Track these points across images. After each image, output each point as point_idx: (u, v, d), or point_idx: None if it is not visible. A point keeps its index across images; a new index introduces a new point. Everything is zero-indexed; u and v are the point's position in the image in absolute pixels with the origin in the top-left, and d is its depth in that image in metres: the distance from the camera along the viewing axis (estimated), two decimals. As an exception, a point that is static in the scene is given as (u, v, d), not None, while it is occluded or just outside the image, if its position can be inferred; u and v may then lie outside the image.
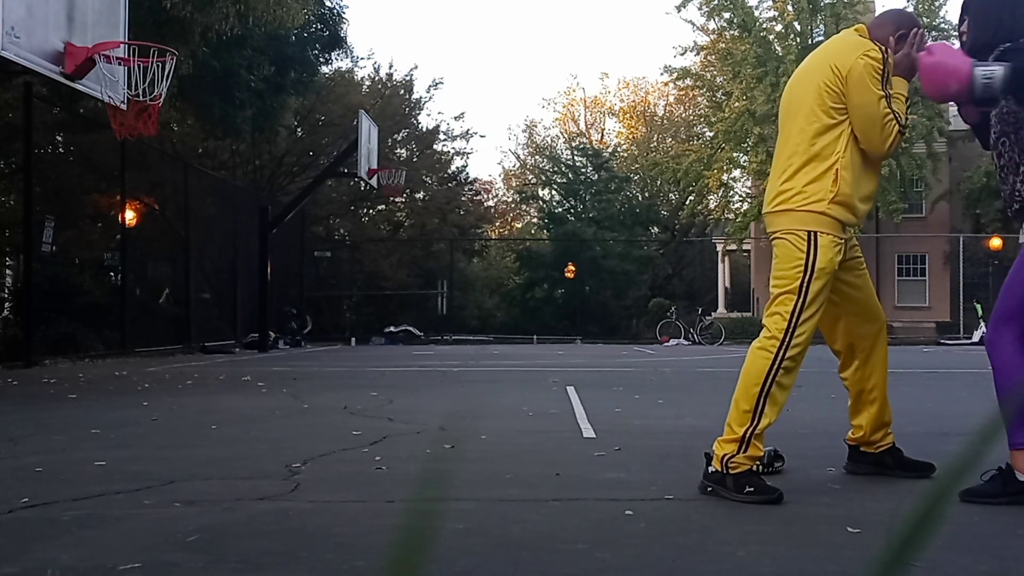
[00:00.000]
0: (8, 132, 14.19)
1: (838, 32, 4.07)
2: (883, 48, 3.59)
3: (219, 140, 19.69)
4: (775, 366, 3.46)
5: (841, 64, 3.55)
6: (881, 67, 3.55)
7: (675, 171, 28.32)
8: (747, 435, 3.41)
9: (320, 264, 27.06)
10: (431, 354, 16.88)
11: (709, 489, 3.45)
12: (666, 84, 32.96)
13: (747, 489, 3.34)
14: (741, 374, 3.54)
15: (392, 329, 23.89)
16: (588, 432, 5.37)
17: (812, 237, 3.50)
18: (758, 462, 3.53)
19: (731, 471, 3.39)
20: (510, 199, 39.61)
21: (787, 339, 3.47)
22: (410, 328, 24.19)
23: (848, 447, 3.97)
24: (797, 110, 3.64)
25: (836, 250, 3.54)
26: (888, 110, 3.52)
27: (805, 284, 3.48)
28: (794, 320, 3.48)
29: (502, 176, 41.96)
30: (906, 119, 3.61)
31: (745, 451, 3.40)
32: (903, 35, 3.67)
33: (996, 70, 3.28)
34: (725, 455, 3.41)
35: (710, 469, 3.48)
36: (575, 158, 34.14)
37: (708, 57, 27.82)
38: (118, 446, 4.83)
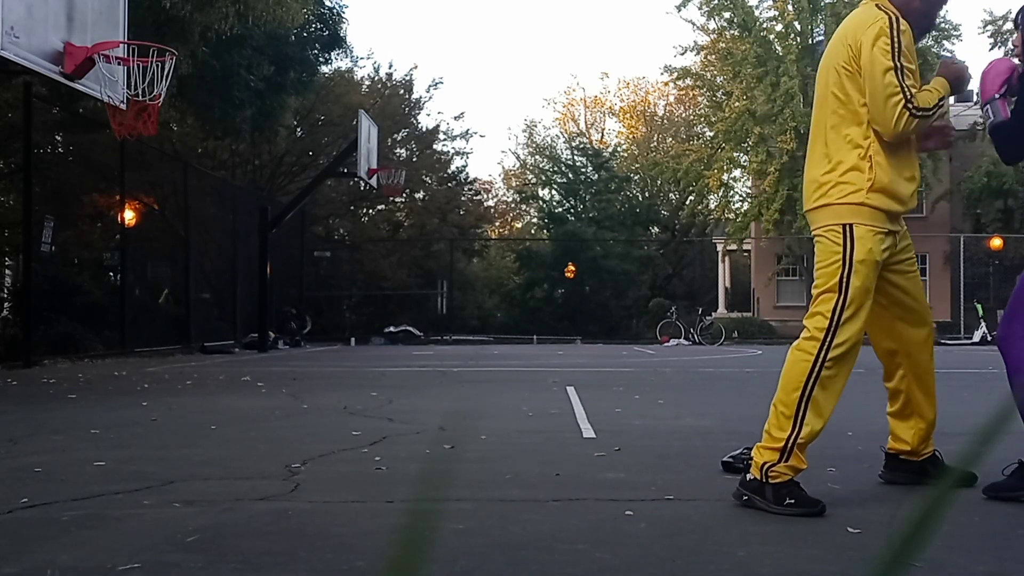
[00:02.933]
0: (8, 132, 14.19)
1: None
2: (894, 16, 3.34)
3: (219, 140, 19.68)
4: (816, 369, 3.23)
5: (854, 41, 3.35)
6: (889, 36, 3.30)
7: (675, 171, 28.32)
8: (789, 444, 3.20)
9: (320, 264, 27.06)
10: (431, 354, 16.88)
11: (745, 498, 3.22)
12: (666, 84, 32.97)
13: (787, 501, 3.14)
14: (780, 377, 3.32)
15: (392, 329, 23.88)
16: (588, 432, 5.37)
17: (847, 230, 3.29)
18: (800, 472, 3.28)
19: (771, 480, 3.18)
20: (510, 199, 39.64)
21: (828, 339, 3.24)
22: (410, 328, 24.18)
23: (886, 455, 3.73)
24: (823, 96, 3.45)
25: (877, 240, 3.31)
26: (894, 82, 3.25)
27: (844, 279, 3.26)
28: (835, 319, 3.25)
29: (502, 176, 41.98)
30: (931, 105, 3.32)
31: (787, 460, 3.19)
32: None
33: (997, 116, 3.50)
34: (765, 463, 3.20)
35: (748, 476, 3.26)
36: (575, 158, 34.15)
37: (708, 57, 27.80)
38: (117, 446, 4.83)
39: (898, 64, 3.27)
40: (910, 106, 3.24)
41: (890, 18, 3.33)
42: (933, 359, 3.68)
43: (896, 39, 3.29)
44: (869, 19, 3.36)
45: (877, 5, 3.41)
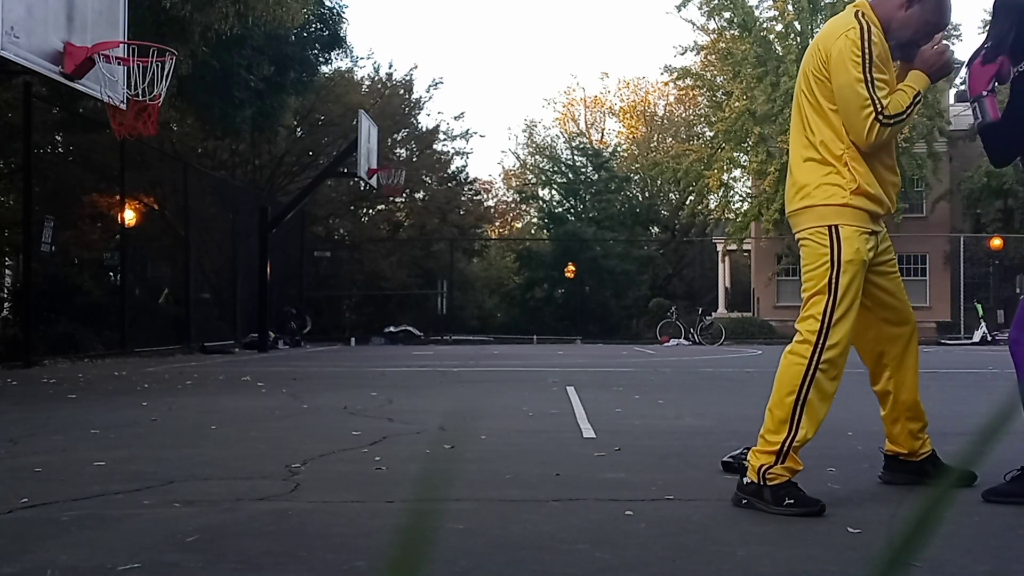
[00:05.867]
0: (8, 132, 14.19)
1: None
2: (865, 26, 3.30)
3: (219, 140, 19.69)
4: (810, 372, 3.24)
5: (825, 46, 3.35)
6: (859, 47, 3.27)
7: (675, 171, 28.32)
8: (785, 447, 3.21)
9: (320, 264, 27.06)
10: (431, 354, 16.88)
11: (744, 502, 3.24)
12: (666, 84, 32.96)
13: (786, 501, 3.15)
14: (775, 382, 3.33)
15: (392, 329, 23.89)
16: (588, 432, 5.37)
17: (833, 230, 3.30)
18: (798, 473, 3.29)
19: (768, 483, 3.19)
20: (510, 199, 39.63)
21: (821, 341, 3.26)
22: (410, 328, 24.19)
23: (885, 457, 3.75)
24: (799, 100, 3.47)
25: (863, 239, 3.32)
26: (864, 94, 3.25)
27: (834, 280, 3.27)
28: (827, 320, 3.26)
29: (502, 176, 41.97)
30: (903, 109, 3.30)
31: (783, 462, 3.21)
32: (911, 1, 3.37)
33: (985, 117, 3.48)
34: (762, 466, 3.22)
35: (745, 480, 3.28)
36: (575, 158, 34.15)
37: (708, 57, 27.80)
38: (117, 446, 4.83)
39: (868, 76, 3.26)
40: (881, 117, 3.25)
41: (862, 27, 3.30)
42: (918, 358, 3.69)
43: (867, 50, 3.27)
44: (841, 28, 3.35)
45: (857, 13, 3.38)
